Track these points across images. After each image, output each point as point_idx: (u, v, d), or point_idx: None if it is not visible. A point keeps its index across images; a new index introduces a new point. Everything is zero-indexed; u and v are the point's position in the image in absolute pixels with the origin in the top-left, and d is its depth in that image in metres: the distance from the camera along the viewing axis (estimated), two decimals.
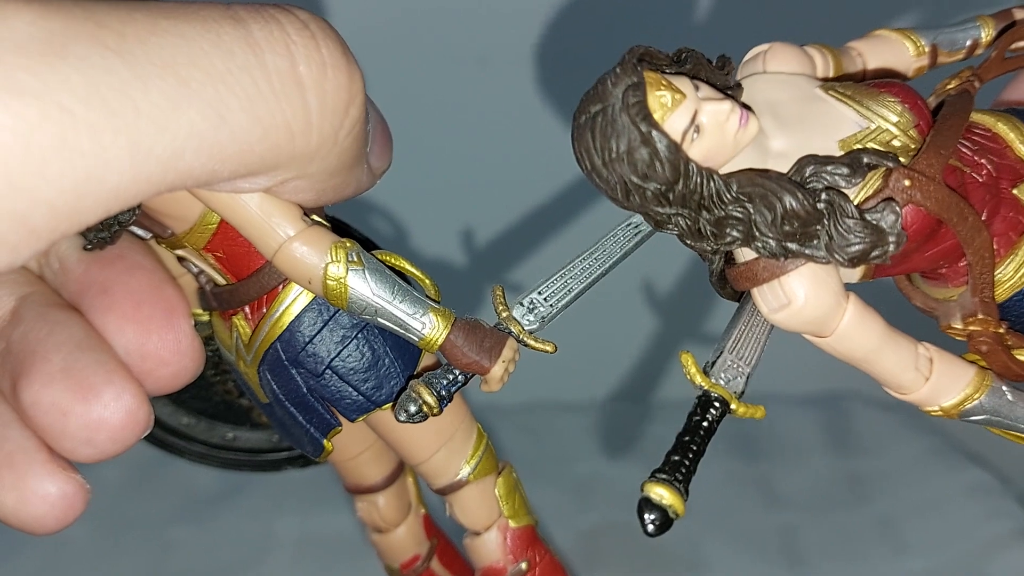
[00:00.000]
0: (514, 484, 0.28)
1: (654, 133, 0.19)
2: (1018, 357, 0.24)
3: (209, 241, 0.22)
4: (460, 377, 0.23)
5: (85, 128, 0.14)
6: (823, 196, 0.21)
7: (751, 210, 0.20)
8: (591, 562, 0.54)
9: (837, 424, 0.66)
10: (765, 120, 0.22)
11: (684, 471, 0.23)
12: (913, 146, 0.22)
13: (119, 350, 0.20)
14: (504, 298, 0.24)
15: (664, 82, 0.20)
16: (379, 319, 0.21)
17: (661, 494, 0.22)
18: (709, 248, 0.21)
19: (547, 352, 0.24)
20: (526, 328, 0.24)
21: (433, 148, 0.58)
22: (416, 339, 0.22)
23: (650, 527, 0.22)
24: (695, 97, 0.20)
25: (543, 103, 0.63)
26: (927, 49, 0.25)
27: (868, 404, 0.68)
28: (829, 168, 0.21)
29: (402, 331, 0.22)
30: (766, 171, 0.21)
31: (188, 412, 0.32)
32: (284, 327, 0.23)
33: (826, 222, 0.21)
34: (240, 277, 0.22)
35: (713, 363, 0.24)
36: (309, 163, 0.18)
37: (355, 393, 0.23)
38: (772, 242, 0.21)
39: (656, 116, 0.19)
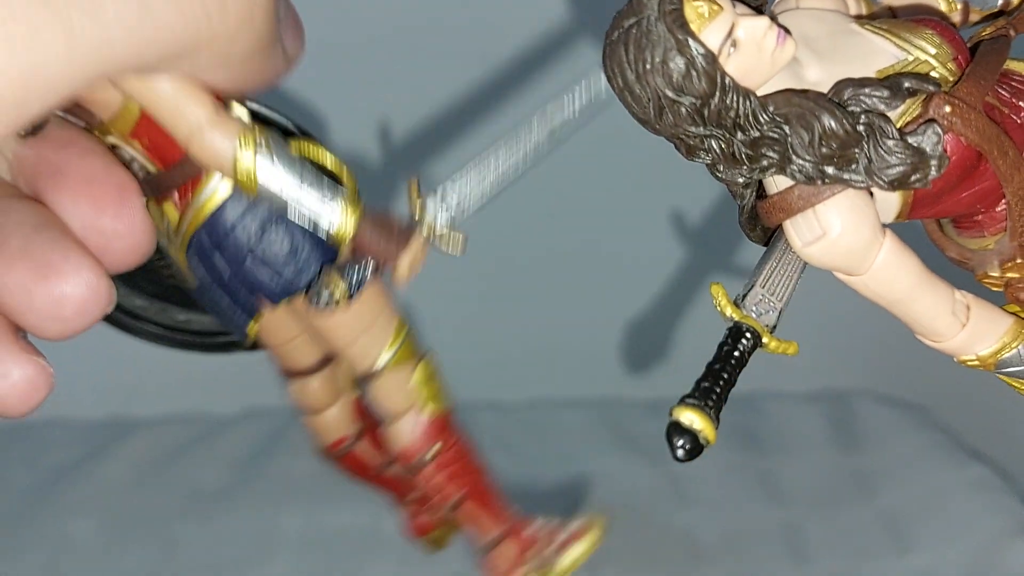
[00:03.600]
0: (432, 372, 0.28)
1: (691, 42, 0.19)
2: None
3: (134, 128, 0.22)
4: (370, 266, 0.23)
5: (24, 21, 0.15)
6: (863, 118, 0.20)
7: (787, 131, 0.20)
8: (594, 558, 0.54)
9: (841, 420, 0.66)
10: (801, 51, 0.21)
11: (715, 398, 0.22)
12: (951, 78, 0.22)
13: (75, 228, 0.21)
14: (419, 190, 0.24)
15: None
16: (289, 210, 0.22)
17: (692, 419, 0.21)
18: (742, 177, 0.21)
19: (457, 247, 0.24)
20: (439, 222, 0.24)
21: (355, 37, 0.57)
22: (326, 227, 0.22)
23: (679, 452, 0.21)
24: (732, 11, 0.20)
25: None
26: (959, 6, 0.25)
27: (872, 400, 0.68)
28: (868, 90, 0.20)
29: (313, 219, 0.22)
30: (804, 91, 0.21)
31: (141, 295, 0.33)
32: (208, 213, 0.24)
33: (865, 144, 0.20)
34: (167, 164, 0.23)
35: (744, 296, 0.23)
36: (226, 44, 0.18)
37: (276, 278, 0.24)
38: (809, 165, 0.20)
39: (693, 27, 0.19)
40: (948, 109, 0.21)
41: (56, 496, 0.58)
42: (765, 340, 0.23)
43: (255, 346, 0.27)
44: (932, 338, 0.23)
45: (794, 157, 0.20)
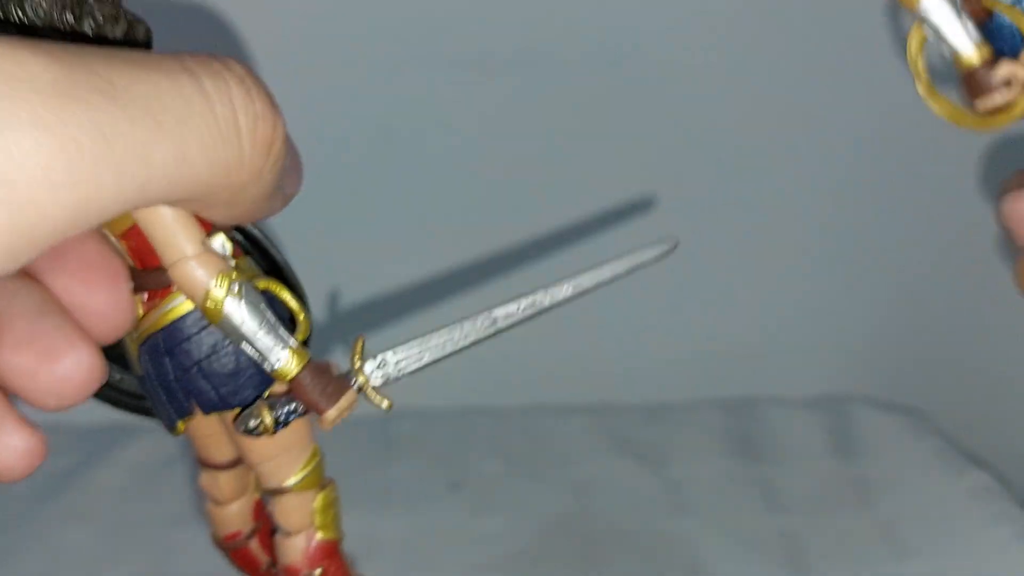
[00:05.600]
0: (332, 501, 0.31)
1: None
2: None
3: (125, 232, 0.25)
4: (299, 408, 0.26)
5: (89, 158, 0.17)
6: None
7: None
8: (590, 565, 0.54)
9: (839, 427, 0.66)
10: None
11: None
12: None
13: (67, 304, 0.23)
14: (362, 350, 0.27)
15: None
16: (243, 344, 0.24)
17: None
18: None
19: (382, 408, 0.27)
20: (371, 382, 0.26)
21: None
22: (269, 369, 0.25)
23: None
24: None
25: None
26: None
27: (870, 407, 0.68)
28: None
29: (261, 355, 0.25)
30: None
31: None
32: (169, 321, 0.26)
33: None
34: (145, 267, 0.26)
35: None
36: (237, 193, 0.21)
37: (213, 392, 0.27)
38: None
39: None
40: None
41: (53, 502, 0.58)
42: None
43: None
44: None
45: None
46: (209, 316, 0.24)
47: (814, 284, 0.70)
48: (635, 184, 0.59)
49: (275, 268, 0.31)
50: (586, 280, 0.27)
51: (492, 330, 0.27)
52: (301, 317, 0.26)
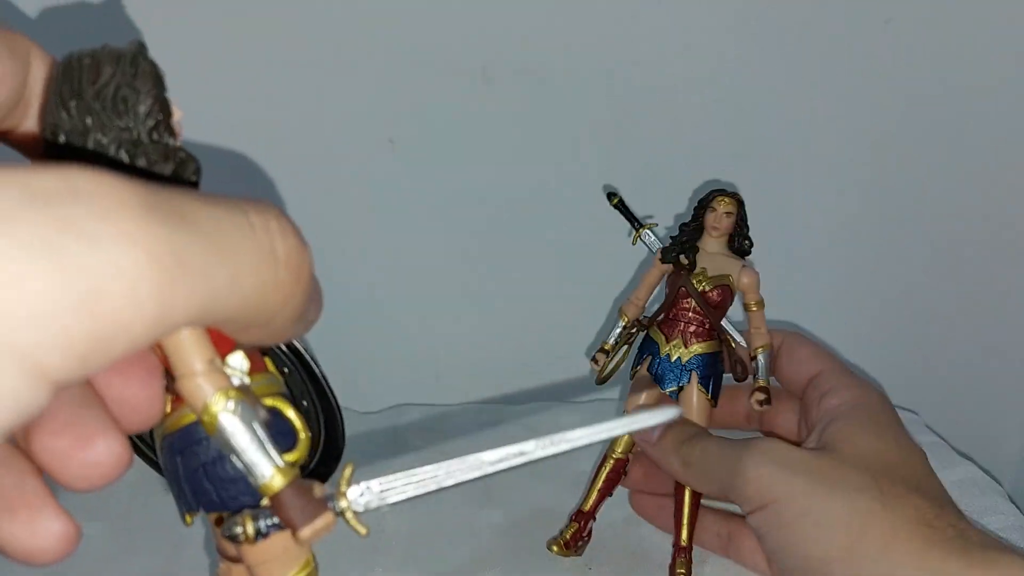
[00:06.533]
0: None
1: None
2: None
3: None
4: (280, 523, 0.27)
5: (168, 276, 0.19)
6: None
7: None
8: (590, 557, 0.54)
9: None
10: None
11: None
12: None
13: (104, 395, 0.25)
14: (350, 476, 0.28)
15: None
16: (233, 456, 0.26)
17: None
18: None
19: (359, 534, 0.28)
20: (353, 507, 0.27)
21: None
22: (255, 480, 0.26)
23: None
24: None
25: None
26: None
27: None
28: None
29: (249, 468, 0.26)
30: None
31: None
32: (185, 424, 0.29)
33: None
34: (168, 371, 0.27)
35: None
36: (271, 315, 0.23)
37: (215, 494, 0.29)
38: None
39: None
40: None
41: (63, 498, 0.58)
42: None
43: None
44: None
45: None
46: (206, 428, 0.26)
47: (811, 285, 0.71)
48: (636, 192, 0.60)
49: (313, 378, 0.34)
50: (581, 438, 0.26)
51: (478, 473, 0.27)
52: (302, 436, 0.28)
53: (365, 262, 0.68)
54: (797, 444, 0.51)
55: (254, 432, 0.26)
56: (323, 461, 0.36)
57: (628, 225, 0.54)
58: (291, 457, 0.28)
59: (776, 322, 0.72)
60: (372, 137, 0.63)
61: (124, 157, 0.25)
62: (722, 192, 0.50)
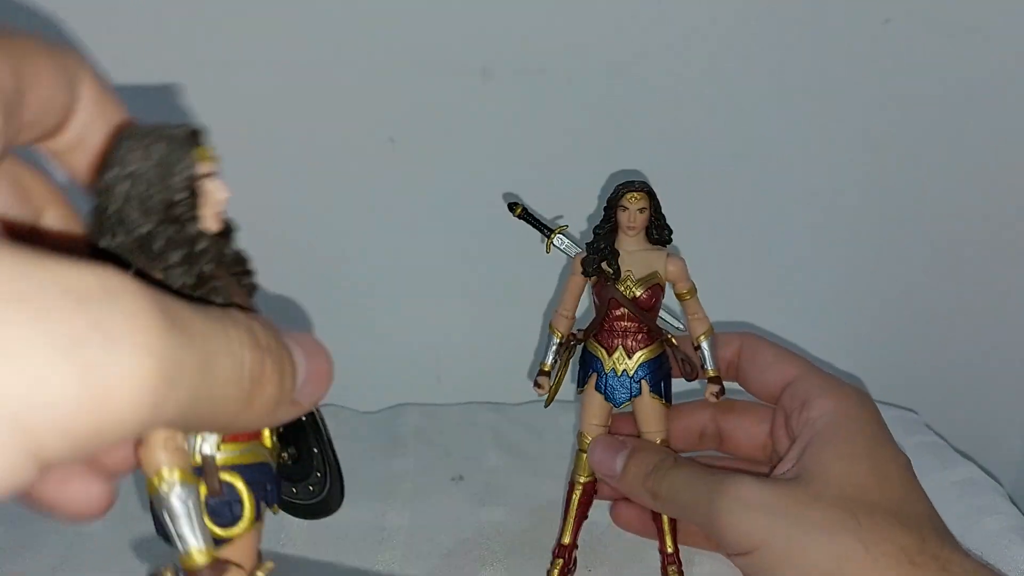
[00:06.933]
0: None
1: None
2: None
3: None
4: None
5: (166, 384, 0.20)
6: None
7: None
8: (590, 554, 0.54)
9: None
10: None
11: None
12: None
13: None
14: (270, 571, 0.31)
15: None
16: (166, 522, 0.29)
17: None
18: None
19: None
20: None
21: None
22: (179, 551, 0.29)
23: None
24: None
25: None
26: None
27: None
28: None
29: (176, 538, 0.28)
30: None
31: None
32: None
33: None
34: None
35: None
36: (232, 419, 0.24)
37: (159, 526, 0.31)
38: None
39: None
40: None
41: None
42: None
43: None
44: None
45: None
46: (149, 491, 0.28)
47: (810, 286, 0.71)
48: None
49: (314, 425, 0.36)
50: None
51: None
52: (246, 512, 0.31)
53: (365, 262, 0.68)
54: (765, 458, 0.51)
55: (188, 509, 0.28)
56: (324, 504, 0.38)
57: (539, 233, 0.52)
58: (234, 531, 0.31)
59: (774, 322, 0.72)
60: (372, 136, 0.64)
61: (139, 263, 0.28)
62: (630, 187, 0.47)
